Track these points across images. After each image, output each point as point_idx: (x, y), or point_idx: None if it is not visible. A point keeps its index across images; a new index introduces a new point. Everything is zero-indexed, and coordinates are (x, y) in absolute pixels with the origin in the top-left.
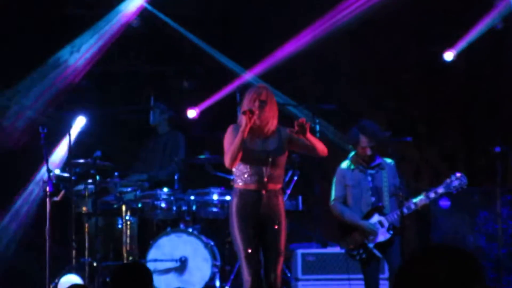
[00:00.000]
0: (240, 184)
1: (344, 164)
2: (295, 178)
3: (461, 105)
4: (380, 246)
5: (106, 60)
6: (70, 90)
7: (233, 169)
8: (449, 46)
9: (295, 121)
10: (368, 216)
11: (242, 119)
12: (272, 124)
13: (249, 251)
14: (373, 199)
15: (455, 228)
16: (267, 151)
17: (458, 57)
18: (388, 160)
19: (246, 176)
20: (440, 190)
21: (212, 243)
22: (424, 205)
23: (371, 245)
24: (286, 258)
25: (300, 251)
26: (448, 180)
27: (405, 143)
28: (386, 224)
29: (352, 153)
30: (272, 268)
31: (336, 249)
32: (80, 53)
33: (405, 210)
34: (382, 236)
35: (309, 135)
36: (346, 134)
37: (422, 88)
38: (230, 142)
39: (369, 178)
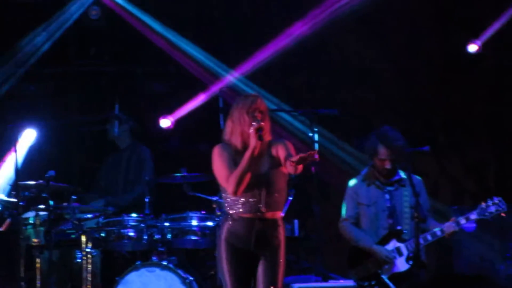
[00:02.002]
0: (231, 210)
1: (358, 179)
2: (290, 198)
3: (489, 107)
4: (396, 278)
5: (60, 59)
6: (16, 96)
7: (224, 195)
8: (473, 36)
9: (301, 155)
10: (384, 241)
11: (252, 138)
12: (267, 139)
13: (237, 284)
14: (390, 221)
15: (481, 254)
16: (261, 175)
17: (484, 49)
18: (413, 176)
19: (239, 205)
20: (473, 216)
21: (191, 278)
22: (453, 233)
23: (385, 276)
24: None
25: (296, 286)
26: (483, 205)
27: (422, 153)
28: (405, 252)
29: (368, 166)
30: None
31: (340, 283)
32: (28, 50)
33: (429, 237)
34: (400, 266)
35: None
36: (363, 142)
37: (441, 88)
38: (224, 165)
39: (387, 196)
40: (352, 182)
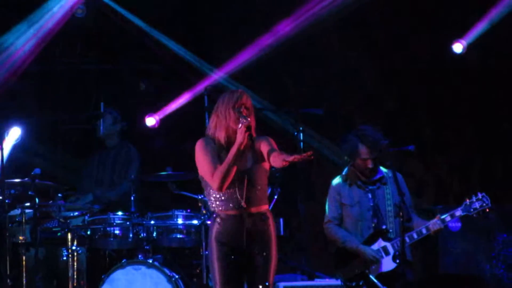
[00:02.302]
0: (216, 207)
1: (339, 179)
2: (275, 197)
3: (474, 106)
4: (383, 277)
5: (46, 57)
6: (1, 94)
7: (206, 193)
8: (458, 35)
9: (298, 156)
10: (370, 241)
11: (239, 134)
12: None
13: (226, 282)
14: (375, 220)
15: (467, 254)
16: (242, 170)
17: (469, 48)
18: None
19: (221, 201)
20: (458, 212)
21: (177, 276)
22: (438, 230)
23: (372, 276)
24: None
25: (282, 285)
26: (467, 201)
27: (407, 152)
28: (391, 251)
29: (348, 166)
30: None
31: (326, 281)
32: (13, 48)
33: (414, 235)
34: (387, 265)
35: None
36: (341, 143)
37: (427, 87)
38: (209, 160)
39: (370, 195)
40: (334, 183)
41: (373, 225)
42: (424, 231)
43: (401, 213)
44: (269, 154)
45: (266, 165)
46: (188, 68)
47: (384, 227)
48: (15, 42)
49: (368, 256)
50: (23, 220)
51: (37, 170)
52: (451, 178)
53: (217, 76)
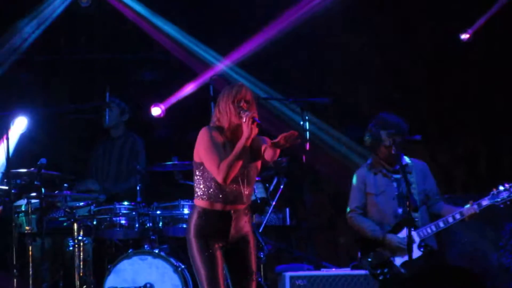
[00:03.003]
0: (203, 200)
1: (364, 168)
2: (282, 186)
3: (480, 95)
4: (408, 265)
5: (51, 47)
6: (7, 84)
7: (196, 178)
8: (465, 24)
9: (284, 135)
10: (396, 229)
11: (245, 127)
12: (255, 131)
13: (212, 275)
14: (400, 209)
15: (474, 244)
16: (244, 166)
17: (475, 37)
18: (417, 161)
19: (212, 191)
20: (485, 202)
21: (183, 266)
22: (472, 215)
23: (398, 263)
24: (272, 283)
25: (288, 274)
26: (494, 191)
27: (413, 142)
28: (417, 239)
29: (372, 155)
30: None
31: (332, 271)
32: (20, 38)
33: (450, 220)
34: (414, 253)
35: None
36: (364, 131)
37: (432, 77)
38: (215, 151)
39: (395, 184)
40: (358, 172)
41: (399, 213)
42: (458, 216)
43: (407, 203)
44: (264, 150)
45: (259, 164)
46: (194, 58)
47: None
48: (20, 34)
49: (395, 244)
50: (29, 210)
51: (43, 160)
52: (457, 167)
53: (222, 65)
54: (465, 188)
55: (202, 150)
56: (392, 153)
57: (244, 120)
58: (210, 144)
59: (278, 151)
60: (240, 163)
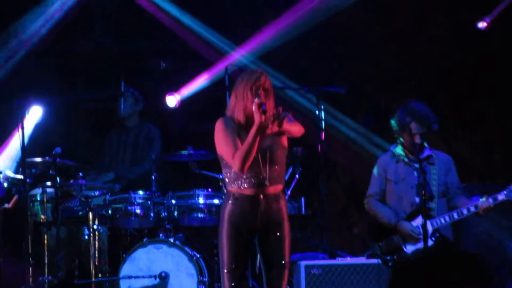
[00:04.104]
0: (233, 187)
1: (387, 155)
2: (297, 176)
3: (496, 84)
4: (419, 253)
5: (66, 37)
6: (22, 73)
7: (225, 172)
8: (482, 13)
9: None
10: (410, 217)
11: (256, 114)
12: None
13: (234, 264)
14: (417, 199)
15: (490, 232)
16: (264, 149)
17: (493, 25)
18: (441, 154)
19: (242, 180)
20: (501, 196)
21: (198, 255)
22: (487, 209)
23: (409, 251)
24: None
25: (303, 263)
26: (511, 187)
27: (430, 131)
28: (430, 228)
29: (396, 142)
30: (276, 284)
31: (347, 260)
32: (34, 28)
33: (464, 211)
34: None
35: (285, 126)
36: (390, 117)
37: (449, 65)
38: (229, 141)
39: (416, 173)
40: (381, 158)
41: (416, 202)
42: (472, 209)
43: (423, 192)
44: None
45: (285, 143)
46: (209, 47)
47: (428, 206)
48: (33, 24)
49: (407, 231)
50: (45, 199)
51: (58, 149)
52: (474, 156)
53: (238, 55)
54: (481, 176)
55: (218, 142)
56: (416, 142)
57: (253, 107)
58: (224, 135)
59: (295, 124)
60: (254, 150)
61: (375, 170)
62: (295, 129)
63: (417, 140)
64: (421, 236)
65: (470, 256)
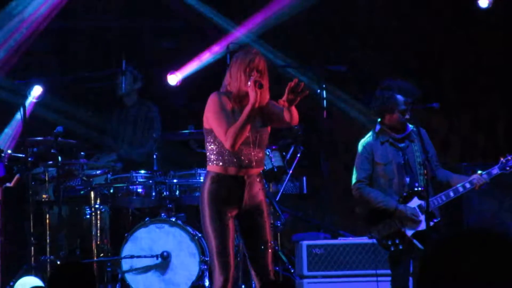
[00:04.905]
0: (217, 165)
1: (370, 137)
2: (298, 155)
3: (499, 63)
4: (419, 235)
5: (67, 15)
6: (23, 52)
7: (208, 144)
8: None
9: (289, 85)
10: (405, 200)
11: (251, 92)
12: (265, 98)
13: (222, 245)
14: (407, 179)
15: (492, 211)
16: (255, 129)
17: (495, 3)
18: (414, 128)
19: (226, 157)
20: (495, 171)
21: (200, 235)
22: (483, 183)
23: (410, 234)
24: (288, 251)
25: (305, 243)
26: (503, 160)
27: (431, 110)
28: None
29: (378, 124)
30: (263, 262)
31: (349, 240)
32: (34, 6)
33: (460, 189)
34: (423, 223)
35: (292, 107)
36: (372, 99)
37: (451, 43)
38: (223, 117)
39: (400, 153)
40: (364, 141)
41: (406, 183)
42: (468, 185)
43: (425, 171)
44: (278, 113)
45: (269, 128)
46: (210, 26)
47: (416, 184)
48: (28, 7)
49: (408, 215)
50: (46, 179)
51: (60, 128)
52: (476, 135)
53: (239, 33)
54: (484, 155)
55: (210, 116)
56: (401, 120)
57: (249, 85)
58: (218, 110)
59: (294, 110)
60: (248, 129)
61: (360, 154)
62: (295, 115)
63: (407, 115)
64: (421, 219)
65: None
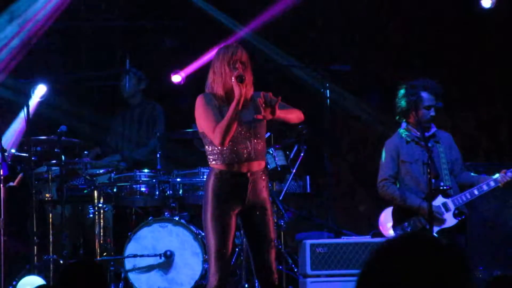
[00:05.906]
0: (219, 164)
1: (397, 136)
2: (302, 154)
3: (502, 61)
4: (444, 233)
5: (71, 14)
6: (27, 52)
7: (207, 148)
8: None
9: (259, 102)
10: (430, 198)
11: (236, 87)
12: (250, 91)
13: (221, 245)
14: (433, 178)
15: (495, 211)
16: (248, 122)
17: (498, 2)
18: (442, 131)
19: (226, 155)
20: None
21: (203, 234)
22: (508, 182)
23: (435, 231)
24: (292, 250)
25: (308, 242)
26: None
27: (435, 109)
28: (451, 207)
29: (404, 123)
30: (267, 257)
31: (353, 239)
32: (38, 5)
33: (484, 187)
34: (447, 221)
35: (278, 114)
36: (396, 97)
37: (454, 42)
38: (210, 116)
39: (426, 152)
40: (391, 140)
41: (433, 181)
42: (492, 183)
43: (428, 170)
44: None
45: (265, 120)
46: (214, 25)
47: (442, 183)
48: (32, 6)
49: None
50: (50, 178)
51: (63, 127)
52: (480, 134)
53: (243, 32)
54: (487, 155)
55: (197, 118)
56: (426, 118)
57: (232, 80)
58: (204, 110)
59: (291, 112)
60: (235, 124)
61: (384, 154)
62: (293, 116)
63: (433, 112)
64: (445, 217)
65: None
